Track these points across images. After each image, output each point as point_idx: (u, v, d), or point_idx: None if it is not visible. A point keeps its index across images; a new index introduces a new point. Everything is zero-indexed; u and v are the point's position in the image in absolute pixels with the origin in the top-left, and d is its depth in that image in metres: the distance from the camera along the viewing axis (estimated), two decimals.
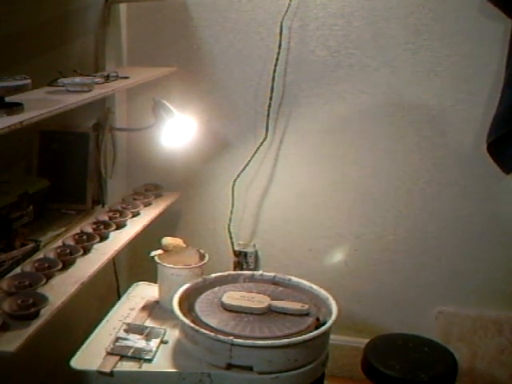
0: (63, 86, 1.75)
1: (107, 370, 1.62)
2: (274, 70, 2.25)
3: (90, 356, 1.68)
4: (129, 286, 2.15)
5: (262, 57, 2.26)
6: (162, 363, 1.67)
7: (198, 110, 2.25)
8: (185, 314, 1.72)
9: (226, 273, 2.02)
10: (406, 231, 2.33)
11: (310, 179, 2.37)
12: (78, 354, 1.69)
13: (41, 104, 1.53)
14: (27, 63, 1.90)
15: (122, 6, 2.26)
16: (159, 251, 2.00)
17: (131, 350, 1.70)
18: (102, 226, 1.96)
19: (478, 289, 2.31)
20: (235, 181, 2.37)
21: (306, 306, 1.74)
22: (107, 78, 1.92)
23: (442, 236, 2.30)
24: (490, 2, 1.96)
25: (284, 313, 1.73)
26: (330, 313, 1.71)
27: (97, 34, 2.23)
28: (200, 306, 1.79)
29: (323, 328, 1.64)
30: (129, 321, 1.87)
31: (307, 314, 1.72)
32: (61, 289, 1.59)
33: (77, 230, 1.94)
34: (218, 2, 2.27)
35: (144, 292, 2.07)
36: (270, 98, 2.28)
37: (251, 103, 2.32)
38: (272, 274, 1.95)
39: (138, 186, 2.36)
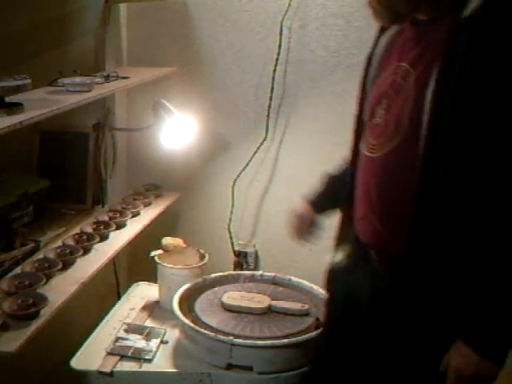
0: (63, 86, 1.75)
1: (107, 369, 1.62)
2: (274, 70, 2.25)
3: (90, 356, 1.69)
4: (129, 286, 2.15)
5: (262, 57, 2.26)
6: (162, 363, 1.67)
7: (197, 109, 2.25)
8: (185, 314, 1.72)
9: (226, 273, 2.02)
10: None
11: (310, 179, 2.36)
12: (78, 354, 1.70)
13: (41, 104, 1.53)
14: (27, 63, 1.90)
15: (122, 6, 2.26)
16: (159, 251, 2.01)
17: (131, 350, 1.70)
18: (102, 226, 1.96)
19: None
20: (235, 181, 2.37)
21: (306, 306, 1.74)
22: (107, 78, 1.92)
23: None
24: None
25: (284, 313, 1.73)
26: None
27: (97, 34, 2.23)
28: (200, 306, 1.79)
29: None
30: (129, 321, 1.87)
31: (307, 314, 1.73)
32: (61, 289, 1.59)
33: (77, 230, 1.94)
34: (218, 2, 2.26)
35: (144, 292, 2.07)
36: (270, 98, 2.28)
37: (251, 103, 2.32)
38: (272, 274, 1.95)
39: (137, 185, 2.36)
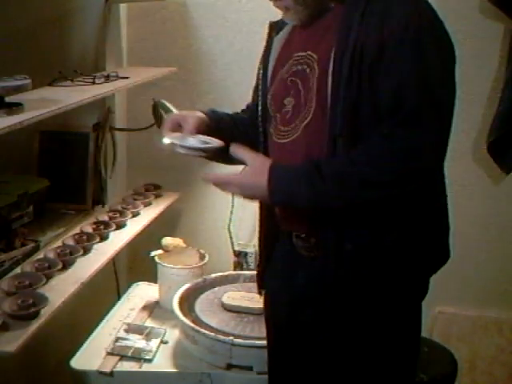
0: (63, 86, 1.75)
1: (107, 370, 1.62)
2: None
3: (90, 356, 1.69)
4: (129, 286, 2.15)
5: None
6: (162, 363, 1.67)
7: (197, 110, 2.25)
8: (185, 314, 1.72)
9: (226, 273, 2.02)
10: None
11: None
12: (78, 354, 1.70)
13: (41, 104, 1.53)
14: (27, 63, 1.90)
15: (122, 6, 2.26)
16: (159, 251, 2.01)
17: (131, 350, 1.70)
18: (101, 226, 1.96)
19: (478, 289, 2.31)
20: None
21: None
22: (107, 78, 1.92)
23: None
24: (490, 2, 1.96)
25: None
26: None
27: (97, 34, 2.23)
28: (200, 306, 1.80)
29: None
30: (129, 321, 1.87)
31: None
32: (61, 289, 1.59)
33: (77, 230, 1.94)
34: (217, 2, 2.26)
35: (144, 292, 2.07)
36: None
37: None
38: None
39: (137, 185, 2.36)
